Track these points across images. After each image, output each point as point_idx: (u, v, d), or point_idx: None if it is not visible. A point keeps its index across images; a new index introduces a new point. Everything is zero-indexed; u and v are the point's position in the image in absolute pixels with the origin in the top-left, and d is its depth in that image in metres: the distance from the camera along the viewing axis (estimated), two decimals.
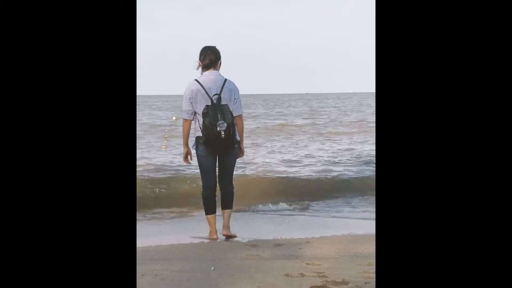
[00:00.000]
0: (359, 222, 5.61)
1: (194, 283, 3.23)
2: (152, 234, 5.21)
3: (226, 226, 4.83)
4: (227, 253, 4.17)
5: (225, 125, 4.43)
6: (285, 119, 24.21)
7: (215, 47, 4.72)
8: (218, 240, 4.78)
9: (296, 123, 21.64)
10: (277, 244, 4.48)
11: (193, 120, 4.63)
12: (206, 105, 4.50)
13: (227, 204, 4.82)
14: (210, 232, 4.82)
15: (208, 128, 4.46)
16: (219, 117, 4.44)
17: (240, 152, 4.80)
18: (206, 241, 4.80)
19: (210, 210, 4.78)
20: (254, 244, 4.50)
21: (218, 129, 4.43)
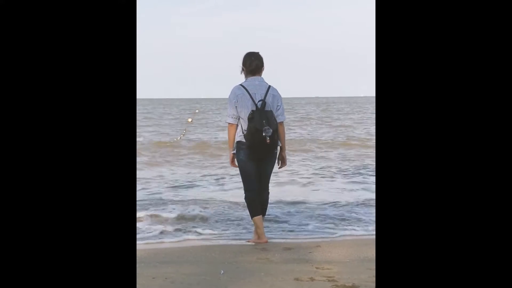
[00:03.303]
0: (369, 226, 5.58)
1: (204, 286, 3.24)
2: (162, 236, 5.22)
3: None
4: (237, 256, 4.18)
5: (271, 130, 4.42)
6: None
7: (258, 53, 4.72)
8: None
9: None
10: (287, 248, 4.48)
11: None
12: (252, 110, 4.48)
13: (262, 210, 4.79)
14: (259, 235, 4.73)
15: (254, 133, 4.44)
16: (265, 123, 4.43)
17: (282, 162, 4.79)
18: (216, 244, 4.81)
19: (256, 211, 4.68)
20: (264, 248, 4.50)
21: (264, 134, 4.42)
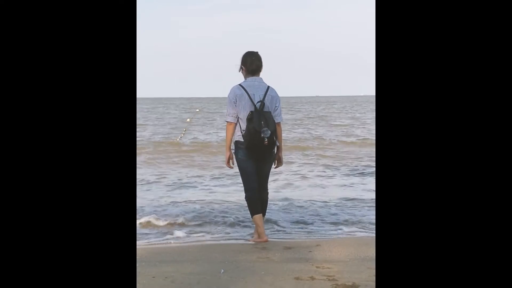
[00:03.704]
0: (369, 225, 5.58)
1: (204, 286, 3.24)
2: (162, 235, 5.22)
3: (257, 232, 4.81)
4: (237, 255, 4.18)
5: (269, 132, 4.44)
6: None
7: (257, 52, 4.72)
8: (230, 242, 4.78)
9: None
10: (287, 247, 4.48)
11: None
12: (251, 111, 4.49)
13: (262, 209, 4.79)
14: (260, 234, 4.71)
15: (252, 134, 4.45)
16: (263, 124, 4.43)
17: (278, 161, 4.79)
18: (216, 243, 4.81)
19: (256, 210, 4.67)
20: (264, 247, 4.50)
21: (262, 135, 4.43)
